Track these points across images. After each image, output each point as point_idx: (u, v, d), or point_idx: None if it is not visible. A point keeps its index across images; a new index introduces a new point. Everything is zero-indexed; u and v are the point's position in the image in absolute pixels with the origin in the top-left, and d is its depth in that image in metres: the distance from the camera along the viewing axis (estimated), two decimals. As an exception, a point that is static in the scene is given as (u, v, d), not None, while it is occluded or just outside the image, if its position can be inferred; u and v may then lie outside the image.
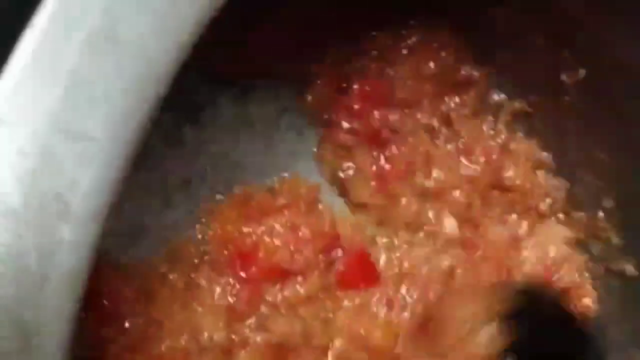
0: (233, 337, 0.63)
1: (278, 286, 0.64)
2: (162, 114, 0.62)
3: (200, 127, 0.67)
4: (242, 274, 0.64)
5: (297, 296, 0.65)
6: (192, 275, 0.64)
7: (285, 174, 0.68)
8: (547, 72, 0.66)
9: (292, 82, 0.68)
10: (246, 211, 0.65)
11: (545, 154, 0.70)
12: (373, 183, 0.69)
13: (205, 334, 0.62)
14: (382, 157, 0.69)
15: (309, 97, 0.69)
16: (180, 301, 0.62)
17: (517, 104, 0.70)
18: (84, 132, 0.38)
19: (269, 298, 0.64)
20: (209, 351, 0.62)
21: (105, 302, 0.60)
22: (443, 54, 0.69)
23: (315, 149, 0.71)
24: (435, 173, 0.69)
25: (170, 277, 0.63)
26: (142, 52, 0.39)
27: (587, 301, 0.70)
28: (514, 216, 0.70)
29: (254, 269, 0.64)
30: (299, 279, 0.65)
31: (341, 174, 0.70)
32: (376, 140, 0.69)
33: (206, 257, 0.64)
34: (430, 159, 0.69)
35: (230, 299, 0.64)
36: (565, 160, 0.69)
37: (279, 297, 0.64)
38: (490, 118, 0.71)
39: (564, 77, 0.65)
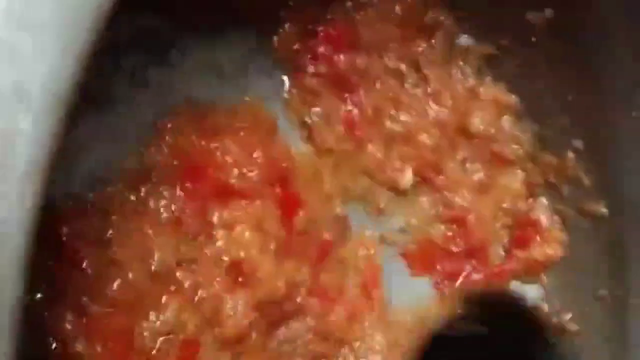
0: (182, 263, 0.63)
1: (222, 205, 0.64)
2: (127, 55, 0.64)
3: (167, 69, 0.65)
4: (189, 186, 0.63)
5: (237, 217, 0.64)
6: (142, 191, 0.63)
7: (247, 99, 0.67)
8: (513, 13, 0.65)
9: (259, 25, 0.67)
10: (202, 125, 0.64)
11: (513, 97, 0.70)
12: (340, 128, 0.69)
13: (156, 257, 0.62)
14: (349, 102, 0.69)
15: (275, 41, 0.68)
16: (133, 223, 0.62)
17: (485, 48, 0.69)
18: (36, 19, 0.37)
19: (213, 216, 0.63)
20: (160, 281, 0.62)
21: (65, 241, 0.60)
22: (408, -4, 0.68)
23: (285, 94, 0.70)
24: (403, 117, 0.69)
25: (122, 197, 0.62)
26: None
27: (556, 246, 0.69)
28: (477, 164, 0.70)
29: (202, 182, 0.63)
30: (243, 202, 0.64)
31: (308, 120, 0.69)
32: (343, 85, 0.69)
33: (154, 172, 0.63)
34: (398, 103, 0.69)
35: (176, 212, 0.63)
36: (535, 103, 0.69)
37: (223, 215, 0.63)
38: (460, 63, 0.70)
39: (530, 16, 0.65)
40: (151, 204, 0.63)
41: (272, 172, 0.65)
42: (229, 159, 0.64)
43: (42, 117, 0.38)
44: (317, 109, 0.69)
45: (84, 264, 0.60)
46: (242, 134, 0.65)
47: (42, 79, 0.38)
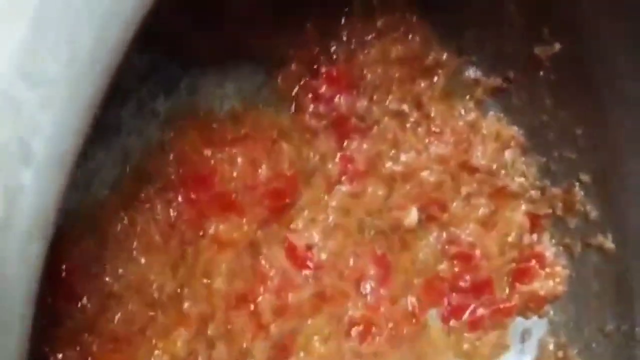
0: (182, 288, 0.63)
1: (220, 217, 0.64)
2: (136, 86, 0.63)
3: (175, 100, 0.65)
4: (193, 196, 0.63)
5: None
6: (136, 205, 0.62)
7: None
8: (521, 47, 0.65)
9: (268, 61, 0.66)
10: (207, 134, 0.64)
11: (516, 129, 0.69)
12: (337, 171, 0.68)
13: (154, 286, 0.61)
14: (348, 145, 0.68)
15: (280, 78, 0.67)
16: (125, 252, 0.61)
17: (493, 80, 0.68)
18: (46, 75, 0.36)
19: (209, 228, 0.63)
20: (161, 309, 0.62)
21: (64, 276, 0.59)
22: (410, 37, 0.67)
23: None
24: (403, 157, 0.68)
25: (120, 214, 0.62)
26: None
27: (560, 280, 0.70)
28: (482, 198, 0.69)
29: (205, 192, 0.63)
30: (244, 220, 0.64)
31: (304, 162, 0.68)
32: (342, 128, 0.67)
33: (158, 180, 0.63)
34: (398, 144, 0.68)
35: (173, 214, 0.62)
36: (541, 136, 0.68)
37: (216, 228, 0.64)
38: (466, 97, 0.69)
39: (538, 51, 0.64)
40: (143, 220, 0.62)
41: (277, 184, 0.65)
42: (235, 172, 0.64)
43: (44, 172, 0.37)
44: (313, 150, 0.67)
45: (83, 300, 0.60)
46: (248, 144, 0.64)
47: (45, 134, 0.36)
